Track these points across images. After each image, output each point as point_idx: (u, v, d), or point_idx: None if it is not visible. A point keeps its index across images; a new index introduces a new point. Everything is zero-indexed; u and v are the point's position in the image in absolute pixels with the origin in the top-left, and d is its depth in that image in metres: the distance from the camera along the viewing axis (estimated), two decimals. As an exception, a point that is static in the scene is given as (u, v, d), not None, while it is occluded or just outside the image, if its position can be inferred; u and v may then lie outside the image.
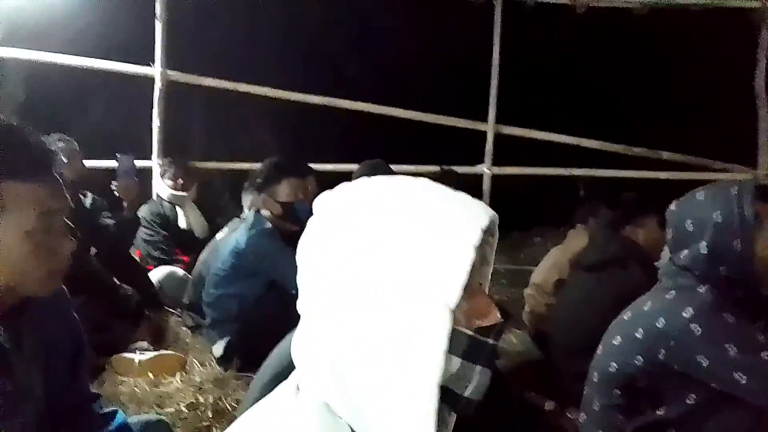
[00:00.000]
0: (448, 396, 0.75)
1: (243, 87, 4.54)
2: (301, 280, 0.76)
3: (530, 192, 4.86)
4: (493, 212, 0.76)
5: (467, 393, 0.76)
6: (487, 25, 4.34)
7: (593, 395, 1.71)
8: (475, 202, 0.77)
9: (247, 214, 2.98)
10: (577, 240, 3.12)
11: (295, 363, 0.78)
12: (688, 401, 1.48)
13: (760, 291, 1.54)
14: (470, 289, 0.71)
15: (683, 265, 1.57)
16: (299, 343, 0.77)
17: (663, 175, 4.48)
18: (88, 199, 3.50)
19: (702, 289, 1.51)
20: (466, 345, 0.74)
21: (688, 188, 1.65)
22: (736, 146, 4.43)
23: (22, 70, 5.49)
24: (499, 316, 0.77)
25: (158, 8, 4.30)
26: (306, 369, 0.77)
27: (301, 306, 0.77)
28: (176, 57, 4.51)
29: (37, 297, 1.11)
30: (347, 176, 3.41)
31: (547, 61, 5.26)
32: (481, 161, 4.48)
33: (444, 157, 4.40)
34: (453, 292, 0.68)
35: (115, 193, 3.29)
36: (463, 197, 0.77)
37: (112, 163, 4.47)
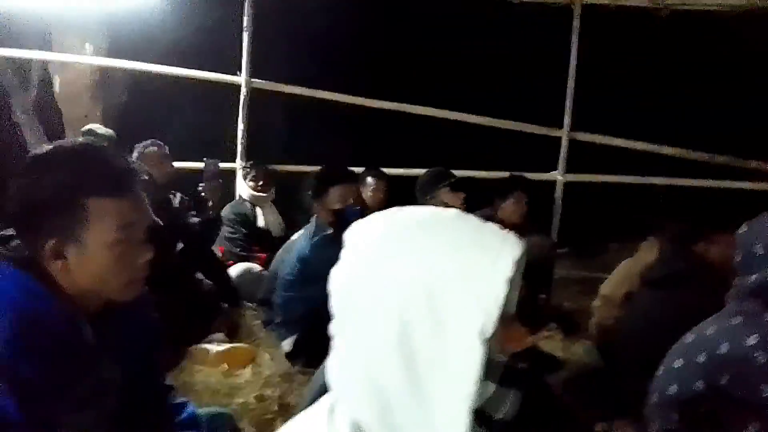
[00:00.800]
0: (483, 417, 0.78)
1: (320, 94, 4.71)
2: (334, 305, 0.80)
3: (606, 200, 4.72)
4: (523, 242, 0.79)
5: (500, 415, 0.80)
6: (565, 30, 4.26)
7: (652, 418, 1.69)
8: (505, 233, 0.79)
9: (303, 230, 3.11)
10: (647, 253, 3.03)
11: (330, 384, 0.81)
12: (749, 430, 1.44)
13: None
14: (504, 319, 0.73)
15: (751, 289, 1.52)
16: (334, 365, 0.81)
17: (747, 185, 4.23)
18: (176, 199, 3.77)
19: (768, 317, 1.46)
20: (500, 371, 0.77)
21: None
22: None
23: (123, 79, 5.99)
24: (530, 340, 0.81)
25: (246, 21, 4.56)
26: (340, 391, 0.80)
27: (335, 329, 0.80)
28: (260, 66, 4.75)
29: (119, 301, 1.22)
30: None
31: (626, 66, 5.09)
32: (554, 168, 4.41)
33: (516, 163, 4.39)
34: (488, 324, 0.71)
35: (202, 194, 3.55)
36: (493, 228, 0.80)
37: (200, 165, 4.83)
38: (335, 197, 2.85)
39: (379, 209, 3.13)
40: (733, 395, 1.44)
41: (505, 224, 3.77)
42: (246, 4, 4.55)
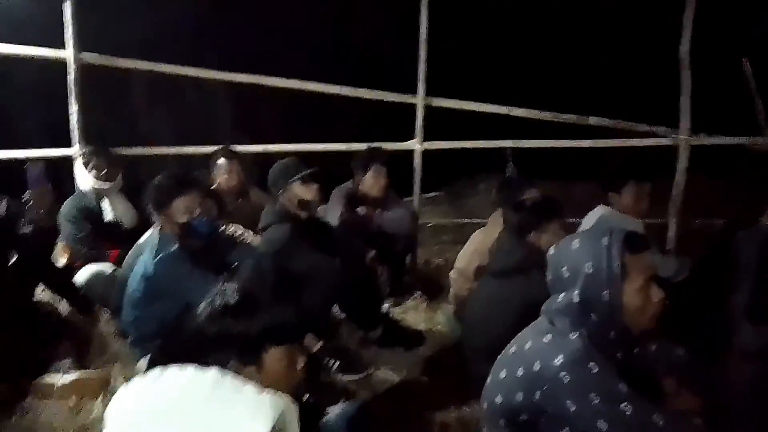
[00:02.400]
0: None
1: (161, 67, 4.35)
2: None
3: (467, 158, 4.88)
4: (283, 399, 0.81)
5: None
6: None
7: (483, 421, 1.83)
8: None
9: (152, 233, 2.91)
10: (496, 228, 3.20)
11: None
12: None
13: (630, 332, 1.64)
14: None
15: (559, 309, 1.65)
16: None
17: (588, 143, 4.56)
18: (2, 206, 3.39)
19: (573, 336, 1.60)
20: None
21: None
22: (660, 109, 4.51)
23: None
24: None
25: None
26: None
27: None
28: (90, 39, 4.26)
29: None
30: (278, 157, 3.40)
31: (473, 29, 5.17)
32: (411, 137, 4.46)
33: (374, 134, 4.39)
34: None
35: (30, 201, 3.20)
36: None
37: (30, 153, 4.37)
38: (180, 209, 2.65)
39: (235, 193, 3.02)
40: (546, 409, 1.59)
41: (367, 197, 3.82)
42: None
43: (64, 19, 4.14)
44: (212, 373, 1.51)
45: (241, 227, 3.48)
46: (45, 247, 3.38)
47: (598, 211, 3.33)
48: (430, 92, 4.41)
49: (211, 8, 6.20)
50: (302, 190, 3.11)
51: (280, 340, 1.63)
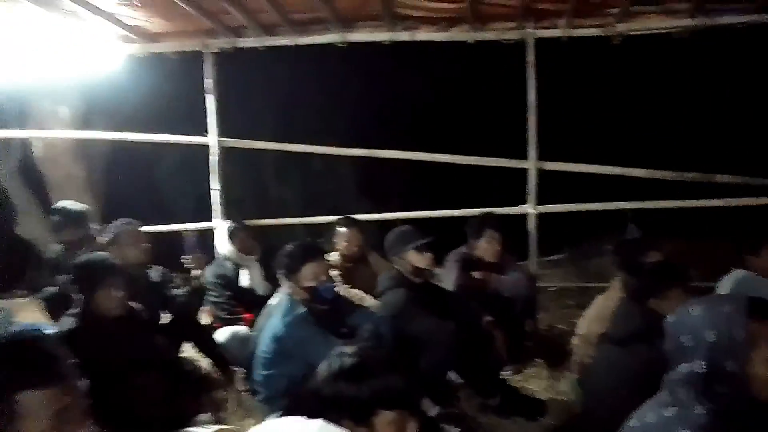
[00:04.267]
0: None
1: (289, 147, 4.80)
2: None
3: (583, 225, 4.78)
4: None
5: None
6: (521, 64, 4.34)
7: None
8: None
9: (280, 297, 3.15)
10: (618, 292, 3.09)
11: None
12: None
13: (760, 405, 1.53)
14: None
15: (681, 380, 1.58)
16: None
17: (718, 202, 4.29)
18: (154, 273, 3.84)
19: (698, 410, 1.51)
20: None
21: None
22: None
23: (95, 148, 6.09)
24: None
25: (207, 84, 4.66)
26: None
27: None
28: (229, 125, 4.85)
29: None
30: (401, 223, 3.60)
31: (586, 94, 5.17)
32: (523, 201, 4.48)
33: (487, 199, 4.47)
34: None
35: (186, 266, 3.62)
36: None
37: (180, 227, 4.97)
38: (308, 274, 2.88)
39: (355, 258, 3.21)
40: (670, 484, 1.50)
41: (482, 262, 3.83)
42: (206, 68, 4.67)
43: (207, 110, 4.75)
44: (319, 423, 1.61)
45: (361, 292, 3.66)
46: (196, 308, 3.74)
47: (736, 275, 3.10)
48: (542, 156, 4.44)
49: (331, 89, 6.78)
50: (417, 258, 3.23)
51: (390, 404, 1.69)
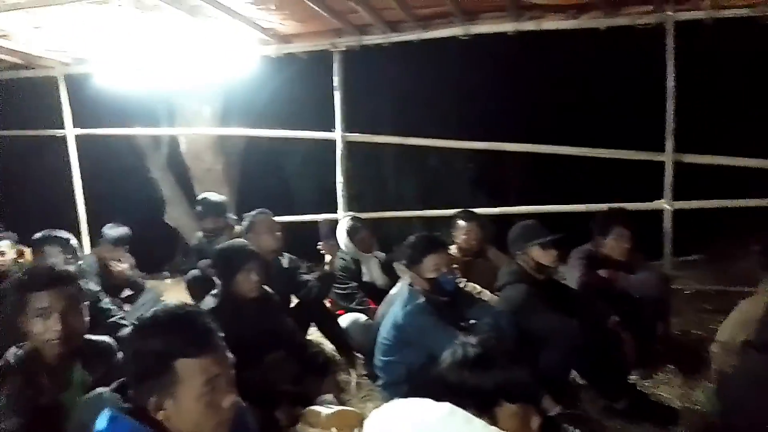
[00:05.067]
0: None
1: (410, 141, 4.88)
2: None
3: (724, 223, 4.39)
4: None
5: None
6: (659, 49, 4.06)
7: None
8: None
9: (402, 286, 3.22)
10: (765, 297, 2.81)
11: None
12: None
13: None
14: None
15: None
16: None
17: None
18: (285, 260, 4.09)
19: None
20: None
21: None
22: None
23: (231, 144, 6.59)
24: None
25: (336, 81, 4.88)
26: None
27: None
28: (353, 121, 5.04)
29: None
30: (522, 218, 3.55)
31: (730, 81, 4.70)
32: (658, 196, 4.19)
33: (614, 194, 4.24)
34: None
35: (321, 251, 3.83)
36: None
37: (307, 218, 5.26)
38: (429, 266, 2.93)
39: (474, 252, 3.22)
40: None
41: (609, 260, 3.66)
42: (335, 66, 4.89)
43: (335, 106, 4.97)
44: (447, 405, 1.64)
45: (479, 286, 3.65)
46: (325, 293, 3.94)
47: None
48: (680, 148, 4.13)
49: (451, 83, 6.78)
50: (541, 255, 3.16)
51: (513, 397, 1.69)
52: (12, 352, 2.12)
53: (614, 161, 4.37)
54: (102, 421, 1.44)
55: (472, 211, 4.34)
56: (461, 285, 3.41)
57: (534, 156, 4.66)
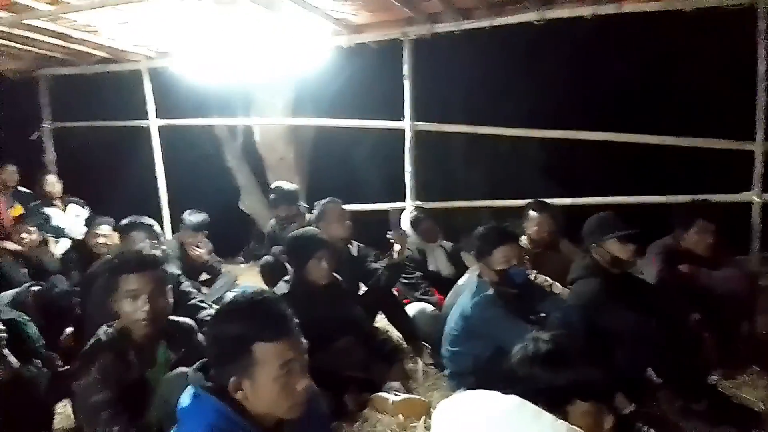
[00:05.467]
0: None
1: (481, 129, 4.83)
2: None
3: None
4: None
5: None
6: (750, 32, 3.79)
7: None
8: None
9: (470, 276, 3.20)
10: None
11: None
12: None
13: None
14: None
15: None
16: None
17: None
18: (354, 248, 4.16)
19: None
20: None
21: None
22: None
23: (309, 127, 6.74)
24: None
25: (405, 70, 4.89)
26: None
27: None
28: (422, 109, 5.03)
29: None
30: (596, 209, 3.44)
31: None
32: (746, 188, 3.94)
33: (700, 185, 4.02)
34: None
35: (391, 240, 3.87)
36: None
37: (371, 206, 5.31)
38: (499, 258, 2.90)
39: (545, 244, 3.17)
40: None
41: (690, 254, 3.49)
42: (405, 55, 4.89)
43: (404, 95, 4.98)
44: (516, 399, 1.63)
45: (550, 278, 3.57)
46: (393, 281, 3.97)
47: None
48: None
49: (523, 70, 6.63)
50: (617, 248, 3.05)
51: (585, 395, 1.65)
52: (103, 330, 2.28)
53: (698, 150, 4.14)
54: (186, 397, 1.53)
55: (544, 202, 4.23)
56: (532, 277, 3.35)
57: (610, 145, 4.48)
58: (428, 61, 5.12)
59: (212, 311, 3.75)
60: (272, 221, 5.04)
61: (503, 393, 1.77)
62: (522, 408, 1.61)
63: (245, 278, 5.63)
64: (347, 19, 4.80)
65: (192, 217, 4.74)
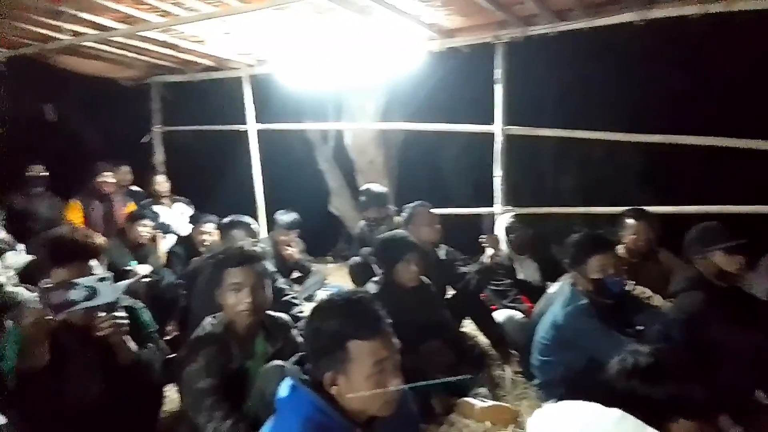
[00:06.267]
0: None
1: (576, 134, 4.68)
2: None
3: None
4: None
5: None
6: None
7: None
8: None
9: (563, 285, 3.12)
10: None
11: None
12: None
13: None
14: None
15: None
16: None
17: None
18: (442, 252, 4.17)
19: None
20: None
21: None
22: None
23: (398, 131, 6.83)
24: None
25: (497, 74, 4.84)
26: None
27: None
28: (511, 113, 4.97)
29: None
30: (700, 219, 3.25)
31: None
32: None
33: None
34: None
35: (484, 244, 3.86)
36: None
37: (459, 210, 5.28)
38: (594, 267, 2.83)
39: (643, 254, 3.06)
40: None
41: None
42: (497, 59, 4.85)
43: (495, 99, 4.93)
44: (617, 411, 1.58)
45: (648, 290, 3.41)
46: (482, 286, 3.95)
47: None
48: None
49: (619, 72, 6.37)
50: (724, 260, 2.88)
51: (687, 413, 1.59)
52: (209, 322, 2.44)
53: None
54: (284, 389, 1.61)
55: (642, 209, 4.04)
56: (629, 288, 3.22)
57: (716, 150, 4.21)
58: (521, 64, 5.04)
59: (304, 308, 3.92)
60: (361, 223, 5.15)
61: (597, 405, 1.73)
62: (624, 421, 1.57)
63: (333, 277, 5.79)
64: (440, 24, 4.82)
65: (284, 216, 4.95)
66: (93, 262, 2.20)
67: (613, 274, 2.80)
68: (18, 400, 2.01)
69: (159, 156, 7.32)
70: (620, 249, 3.79)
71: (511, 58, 4.93)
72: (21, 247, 4.91)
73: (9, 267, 3.98)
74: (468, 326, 3.98)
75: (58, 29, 4.84)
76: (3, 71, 5.80)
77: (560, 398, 2.80)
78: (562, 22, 4.49)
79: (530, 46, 4.91)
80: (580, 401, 1.70)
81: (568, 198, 5.66)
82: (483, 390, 3.18)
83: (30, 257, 4.49)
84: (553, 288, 3.59)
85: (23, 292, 3.35)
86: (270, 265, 3.89)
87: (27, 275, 3.89)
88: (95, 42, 5.17)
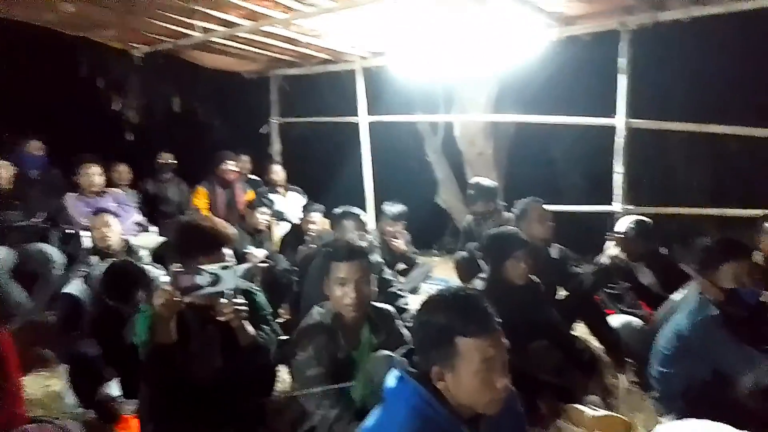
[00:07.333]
0: None
1: (706, 128, 4.29)
2: None
3: None
4: None
5: None
6: None
7: None
8: None
9: (689, 292, 2.88)
10: None
11: None
12: None
13: None
14: None
15: None
16: None
17: None
18: (554, 250, 4.00)
19: None
20: None
21: None
22: None
23: (502, 129, 6.65)
24: None
25: (620, 62, 4.54)
26: None
27: None
28: (635, 105, 4.65)
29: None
30: None
31: None
32: None
33: None
34: None
35: (609, 241, 3.68)
36: None
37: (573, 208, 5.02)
38: (728, 274, 2.59)
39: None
40: None
41: None
42: (621, 47, 4.54)
43: (618, 90, 4.63)
44: None
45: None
46: (597, 287, 3.76)
47: None
48: None
49: (760, 63, 5.76)
50: None
51: None
52: (317, 311, 2.52)
53: None
54: (392, 379, 1.63)
55: (789, 214, 3.64)
56: (765, 300, 2.91)
57: None
58: (648, 53, 4.69)
59: (409, 300, 3.93)
60: (469, 217, 5.08)
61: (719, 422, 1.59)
62: None
63: (439, 271, 5.76)
64: (560, 11, 4.60)
65: (391, 207, 4.99)
66: (226, 250, 2.37)
67: (748, 284, 2.55)
68: (147, 371, 2.19)
69: (276, 146, 7.66)
70: (757, 256, 3.44)
71: (637, 46, 4.60)
72: (154, 229, 5.37)
73: (145, 247, 4.37)
74: (580, 330, 3.80)
75: (191, 26, 5.19)
76: (141, 66, 6.35)
77: (680, 412, 2.61)
78: (698, 6, 4.12)
79: (659, 33, 4.56)
80: (709, 421, 1.57)
81: (696, 198, 5.19)
82: (595, 398, 3.04)
83: (162, 239, 4.91)
84: (677, 295, 3.34)
85: (154, 271, 3.64)
86: (376, 257, 3.97)
87: (159, 255, 4.25)
88: (223, 38, 5.48)
